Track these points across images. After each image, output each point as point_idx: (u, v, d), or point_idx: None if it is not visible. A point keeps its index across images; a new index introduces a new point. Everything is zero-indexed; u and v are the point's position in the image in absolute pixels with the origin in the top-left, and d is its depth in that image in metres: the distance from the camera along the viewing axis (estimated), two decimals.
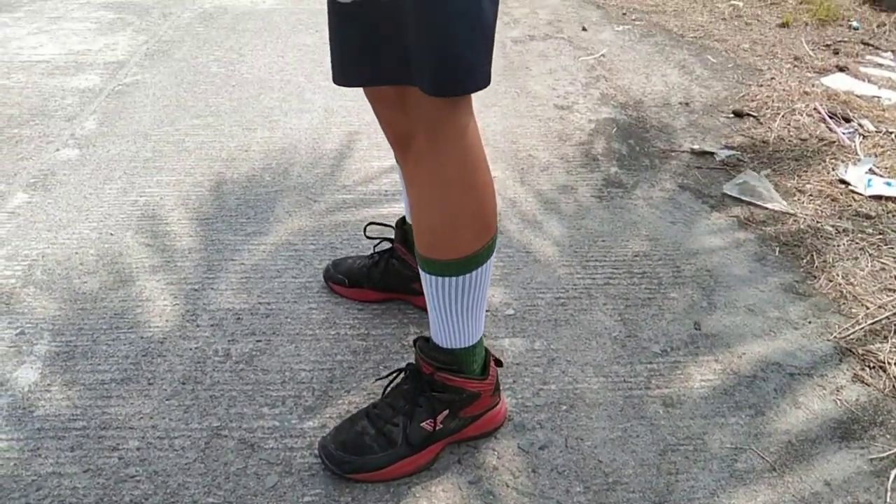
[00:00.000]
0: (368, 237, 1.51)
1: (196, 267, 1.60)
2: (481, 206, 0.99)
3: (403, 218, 1.43)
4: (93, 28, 3.09)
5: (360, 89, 1.00)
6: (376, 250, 1.51)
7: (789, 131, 2.28)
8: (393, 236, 1.47)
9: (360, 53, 0.87)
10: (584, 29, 3.17)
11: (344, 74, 0.89)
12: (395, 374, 1.17)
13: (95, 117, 2.29)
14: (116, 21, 3.18)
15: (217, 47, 2.89)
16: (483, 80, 0.89)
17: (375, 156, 2.08)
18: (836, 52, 2.94)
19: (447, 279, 1.02)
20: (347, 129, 2.25)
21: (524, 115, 2.39)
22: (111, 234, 1.71)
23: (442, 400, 1.11)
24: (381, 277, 1.47)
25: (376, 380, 1.30)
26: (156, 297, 1.51)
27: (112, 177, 1.96)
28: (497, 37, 3.05)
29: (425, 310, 1.15)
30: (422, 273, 1.05)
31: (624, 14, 3.39)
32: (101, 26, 3.11)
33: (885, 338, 1.44)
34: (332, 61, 0.89)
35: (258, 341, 1.39)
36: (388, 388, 1.16)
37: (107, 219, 1.77)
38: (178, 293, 1.52)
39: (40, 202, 1.84)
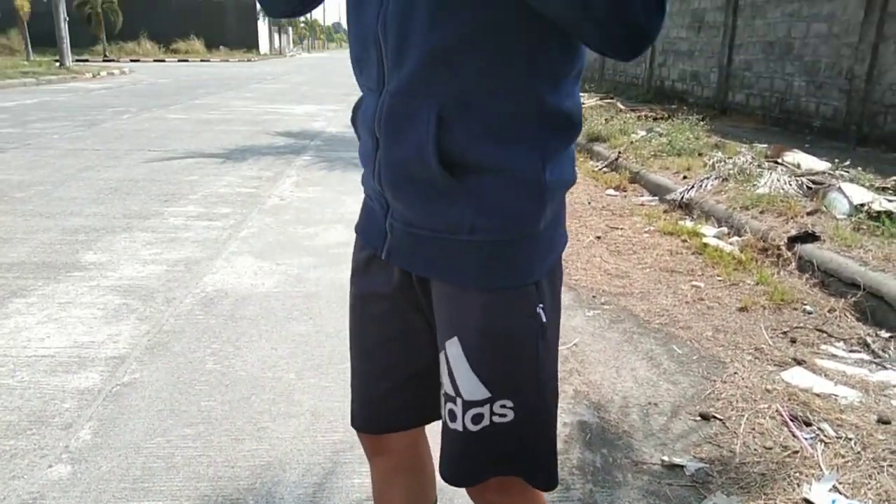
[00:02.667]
0: None
1: None
2: None
3: None
4: (98, 316, 3.31)
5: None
6: None
7: (754, 437, 2.40)
8: None
9: None
10: None
11: None
12: None
13: (91, 425, 2.39)
14: (122, 307, 3.41)
15: (215, 338, 3.08)
16: None
17: (357, 471, 2.16)
18: (793, 341, 3.15)
19: None
20: (333, 437, 2.35)
21: None
22: None
23: None
24: None
25: None
26: None
27: (101, 500, 2.01)
28: None
29: None
30: None
31: (594, 297, 3.68)
32: (106, 313, 3.34)
33: None
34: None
35: None
36: None
37: None
38: None
39: None
